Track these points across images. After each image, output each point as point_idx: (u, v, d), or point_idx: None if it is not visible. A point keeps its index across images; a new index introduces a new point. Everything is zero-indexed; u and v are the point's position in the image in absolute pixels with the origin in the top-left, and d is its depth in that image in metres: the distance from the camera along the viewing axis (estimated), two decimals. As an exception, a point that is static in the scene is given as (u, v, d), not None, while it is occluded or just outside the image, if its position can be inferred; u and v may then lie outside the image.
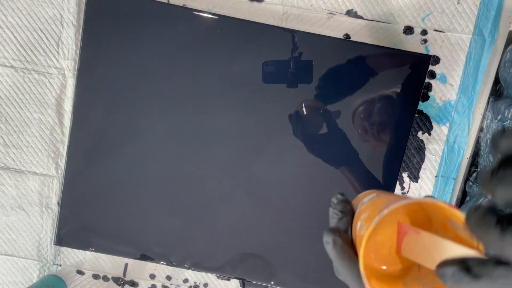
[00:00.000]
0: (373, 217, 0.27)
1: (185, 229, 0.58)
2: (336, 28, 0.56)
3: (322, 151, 0.56)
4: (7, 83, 0.58)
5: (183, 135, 0.56)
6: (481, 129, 0.58)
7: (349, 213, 0.32)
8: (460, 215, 0.26)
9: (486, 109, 0.57)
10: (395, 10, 0.55)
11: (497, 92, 0.57)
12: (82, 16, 0.56)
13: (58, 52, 0.57)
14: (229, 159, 0.57)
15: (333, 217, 0.32)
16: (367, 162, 0.55)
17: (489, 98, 0.57)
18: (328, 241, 0.31)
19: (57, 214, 0.59)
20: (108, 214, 0.58)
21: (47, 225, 0.60)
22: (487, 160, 0.56)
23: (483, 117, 0.57)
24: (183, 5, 0.55)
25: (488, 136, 0.56)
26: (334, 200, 0.33)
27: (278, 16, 0.56)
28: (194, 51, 0.55)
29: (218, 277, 0.61)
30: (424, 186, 0.59)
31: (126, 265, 0.61)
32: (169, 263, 0.58)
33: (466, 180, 0.60)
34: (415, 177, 0.59)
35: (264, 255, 0.58)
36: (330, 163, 0.56)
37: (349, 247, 0.30)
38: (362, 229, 0.29)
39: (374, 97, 0.54)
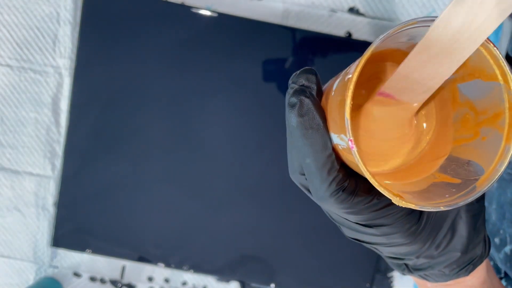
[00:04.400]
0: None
1: (183, 231, 0.57)
2: (337, 26, 0.55)
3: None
4: (3, 82, 0.57)
5: (182, 135, 0.55)
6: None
7: (315, 87, 0.24)
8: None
9: None
10: (397, 8, 0.54)
11: None
12: (78, 13, 0.55)
13: (54, 51, 0.56)
14: (229, 160, 0.56)
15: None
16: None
17: None
18: (293, 102, 0.23)
19: (53, 215, 0.58)
20: (106, 216, 0.57)
21: (43, 227, 0.59)
22: None
23: None
24: (182, 2, 0.54)
25: None
26: (292, 77, 0.25)
27: (278, 13, 0.55)
28: (193, 49, 0.54)
29: (217, 280, 0.60)
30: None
31: (124, 267, 0.60)
32: (168, 265, 0.58)
33: None
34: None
35: (264, 257, 0.57)
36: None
37: (319, 114, 0.23)
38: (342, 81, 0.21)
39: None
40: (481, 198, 0.26)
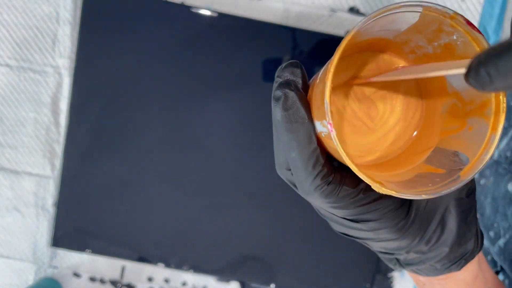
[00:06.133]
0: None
1: (183, 231, 0.57)
2: (338, 26, 0.55)
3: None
4: (2, 82, 0.57)
5: (182, 135, 0.55)
6: None
7: (300, 81, 0.23)
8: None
9: None
10: (398, 8, 0.54)
11: None
12: (78, 13, 0.55)
13: (54, 50, 0.56)
14: (229, 159, 0.56)
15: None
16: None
17: None
18: (277, 95, 0.23)
19: (53, 215, 0.58)
20: (105, 216, 0.57)
21: (43, 227, 0.59)
22: None
23: None
24: (182, 2, 0.54)
25: None
26: (277, 70, 0.24)
27: (278, 13, 0.55)
28: (193, 49, 0.54)
29: (217, 280, 0.60)
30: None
31: (124, 267, 0.60)
32: (168, 266, 0.57)
33: None
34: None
35: (264, 257, 0.57)
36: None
37: (304, 107, 0.23)
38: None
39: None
40: (471, 193, 0.26)
